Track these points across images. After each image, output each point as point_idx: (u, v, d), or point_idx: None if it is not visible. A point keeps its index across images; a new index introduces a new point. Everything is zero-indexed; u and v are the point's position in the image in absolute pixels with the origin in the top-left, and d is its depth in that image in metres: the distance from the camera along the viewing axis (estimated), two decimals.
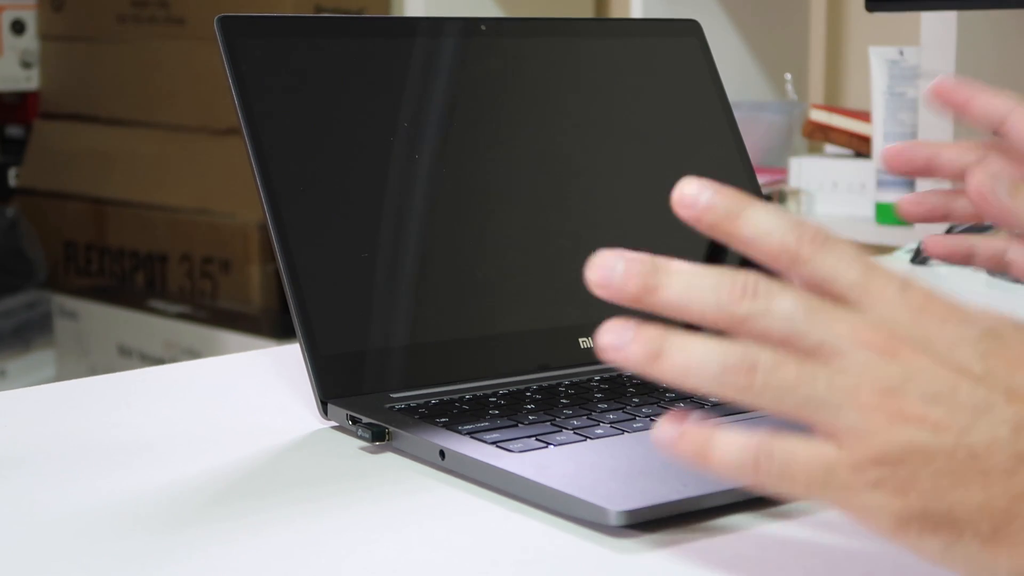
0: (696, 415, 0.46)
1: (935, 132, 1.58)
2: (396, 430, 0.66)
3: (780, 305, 0.45)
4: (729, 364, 0.44)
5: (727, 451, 0.45)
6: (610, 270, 0.46)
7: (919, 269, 1.13)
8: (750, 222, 0.46)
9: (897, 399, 0.44)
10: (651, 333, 0.45)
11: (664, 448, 0.46)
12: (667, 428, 0.46)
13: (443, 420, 0.67)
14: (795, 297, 0.45)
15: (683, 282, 0.46)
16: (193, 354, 2.38)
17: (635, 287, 0.46)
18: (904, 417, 0.44)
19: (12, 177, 2.79)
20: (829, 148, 1.97)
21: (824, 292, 0.46)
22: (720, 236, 0.47)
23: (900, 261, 1.17)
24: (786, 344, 0.45)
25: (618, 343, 0.45)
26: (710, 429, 0.46)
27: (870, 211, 1.85)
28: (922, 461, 0.44)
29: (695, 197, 0.47)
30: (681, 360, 0.45)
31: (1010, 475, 0.43)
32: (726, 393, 0.45)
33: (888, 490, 0.44)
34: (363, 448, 0.67)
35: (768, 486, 0.45)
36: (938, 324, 0.45)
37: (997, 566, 0.44)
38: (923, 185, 1.61)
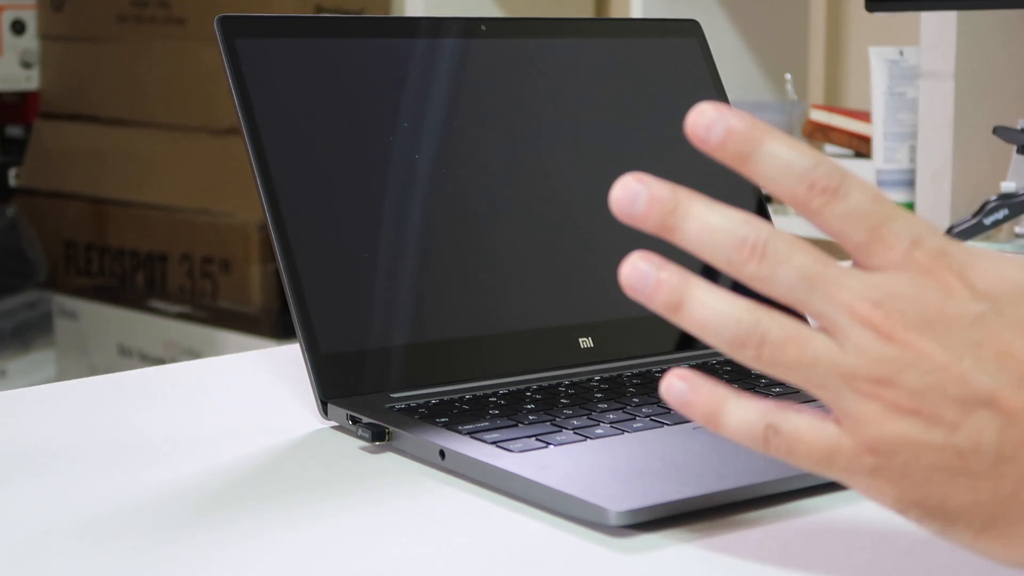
0: (705, 379, 0.47)
1: (935, 132, 1.58)
2: (396, 430, 0.66)
3: (783, 272, 0.45)
4: (740, 333, 0.45)
5: (738, 420, 0.46)
6: (633, 199, 0.46)
7: None
8: (763, 161, 0.45)
9: (891, 390, 0.44)
10: (674, 282, 0.45)
11: (674, 403, 0.46)
12: (677, 384, 0.46)
13: (443, 420, 0.67)
14: (800, 263, 0.45)
15: (697, 229, 0.45)
16: (193, 354, 2.38)
17: (654, 223, 0.46)
18: (898, 408, 0.44)
19: (12, 177, 2.78)
20: (829, 148, 1.97)
21: (838, 242, 0.46)
22: (736, 169, 0.46)
23: None
24: (793, 306, 0.45)
25: (641, 286, 0.46)
26: (723, 395, 0.46)
27: None
28: (914, 455, 0.44)
29: (707, 132, 0.46)
30: (699, 317, 0.45)
31: (996, 478, 0.44)
32: (737, 358, 0.45)
33: (884, 478, 0.45)
34: (363, 448, 0.67)
35: (775, 456, 0.46)
36: (940, 297, 0.44)
37: (992, 554, 0.46)
38: (922, 183, 1.61)
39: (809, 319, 0.46)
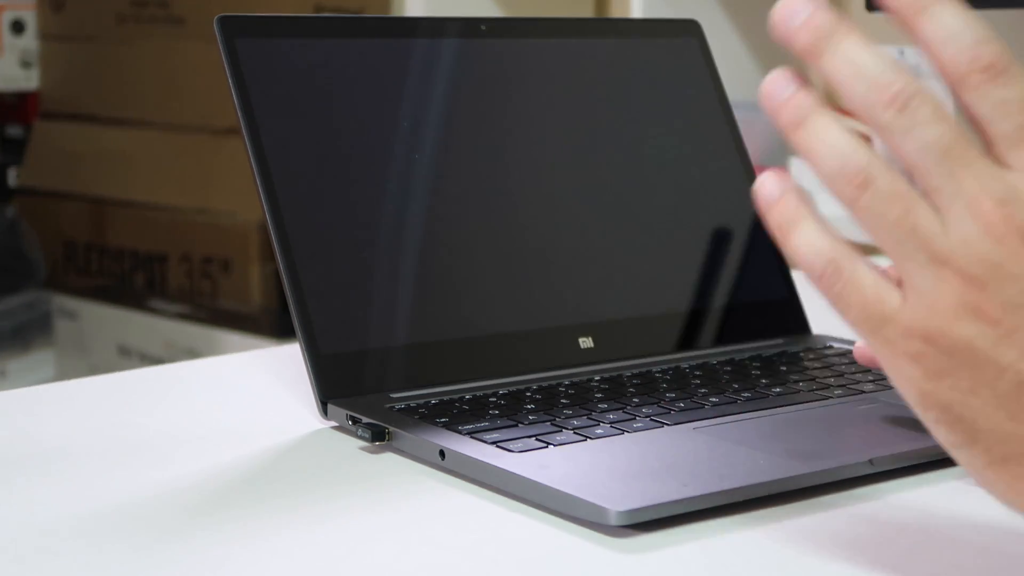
0: (795, 188, 0.46)
1: None
2: (396, 430, 0.66)
3: (921, 132, 0.43)
4: (848, 168, 0.44)
5: (806, 244, 0.45)
6: (793, 15, 0.45)
7: None
8: (933, 21, 0.44)
9: (980, 292, 0.42)
10: (803, 102, 0.45)
11: (760, 202, 0.46)
12: (771, 184, 0.46)
13: (443, 420, 0.67)
14: (940, 131, 0.43)
15: (846, 60, 0.44)
16: (193, 354, 2.38)
17: (805, 40, 0.45)
18: (977, 312, 0.42)
19: (12, 177, 2.78)
20: None
21: (981, 128, 0.44)
22: (903, 28, 0.44)
23: None
24: (913, 172, 0.44)
25: (778, 93, 0.45)
26: (806, 212, 0.45)
27: None
28: (970, 363, 0.43)
29: None
30: (813, 141, 0.45)
31: None
32: (836, 192, 0.44)
33: (924, 369, 0.43)
34: (363, 448, 0.67)
35: (826, 297, 0.45)
36: None
37: (995, 487, 0.44)
38: None
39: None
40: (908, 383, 0.44)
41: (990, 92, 0.43)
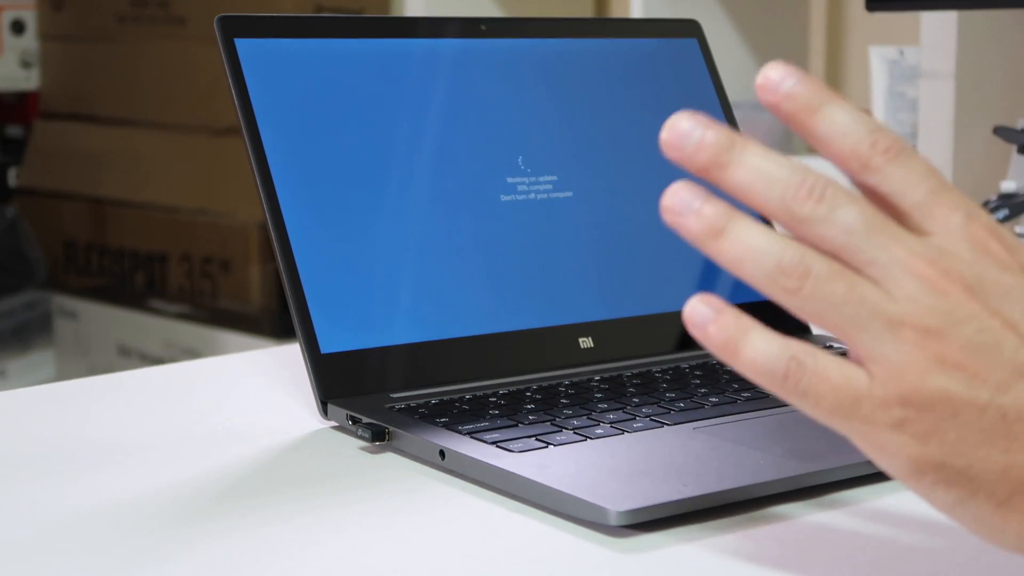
0: (731, 306, 0.44)
1: (935, 132, 1.58)
2: (396, 430, 0.66)
3: (843, 215, 0.43)
4: (784, 264, 0.43)
5: (760, 351, 0.44)
6: (686, 135, 0.44)
7: None
8: (827, 119, 0.44)
9: (939, 342, 0.43)
10: (718, 209, 0.44)
11: (694, 328, 0.45)
12: (701, 308, 0.45)
13: (443, 420, 0.67)
14: (859, 209, 0.43)
15: (754, 166, 0.44)
16: (193, 354, 2.38)
17: (706, 158, 0.44)
18: (943, 362, 0.43)
19: (12, 177, 2.78)
20: None
21: (889, 207, 0.44)
22: (795, 128, 0.45)
23: None
24: (841, 255, 0.44)
25: (682, 208, 0.44)
26: (747, 322, 0.44)
27: None
28: (951, 411, 0.43)
29: (777, 83, 0.45)
30: (740, 246, 0.44)
31: None
32: (774, 292, 0.44)
33: (910, 434, 0.43)
34: (363, 448, 0.67)
35: (791, 399, 0.44)
36: (995, 269, 0.43)
37: (1006, 531, 0.44)
38: None
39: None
40: (897, 455, 0.44)
41: (896, 168, 0.44)
